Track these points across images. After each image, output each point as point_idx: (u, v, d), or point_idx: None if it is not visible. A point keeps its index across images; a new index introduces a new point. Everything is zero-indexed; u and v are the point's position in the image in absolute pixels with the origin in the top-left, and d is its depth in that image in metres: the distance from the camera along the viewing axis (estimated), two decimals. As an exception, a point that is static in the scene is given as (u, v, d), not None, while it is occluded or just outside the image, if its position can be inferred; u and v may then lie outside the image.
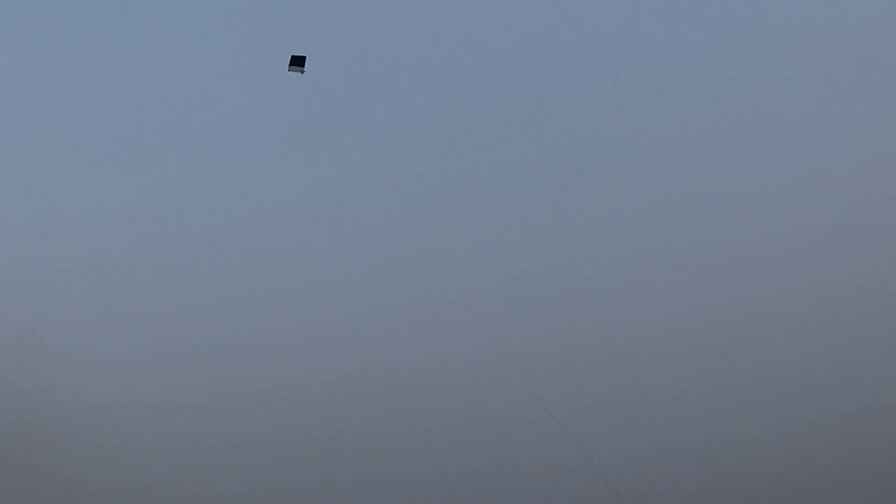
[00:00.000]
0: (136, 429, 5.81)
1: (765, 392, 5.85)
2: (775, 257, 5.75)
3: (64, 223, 5.64)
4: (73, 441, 5.97)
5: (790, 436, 5.69)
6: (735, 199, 5.61)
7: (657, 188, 5.47)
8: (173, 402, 5.89)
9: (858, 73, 5.71)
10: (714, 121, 5.49)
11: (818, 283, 5.92)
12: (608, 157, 5.26)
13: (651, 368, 5.68)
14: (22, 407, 5.81)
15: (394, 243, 5.40)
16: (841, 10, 5.70)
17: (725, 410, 5.68)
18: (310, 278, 5.51)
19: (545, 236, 5.51)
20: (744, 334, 5.65)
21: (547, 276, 5.44)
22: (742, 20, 5.56)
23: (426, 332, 5.56)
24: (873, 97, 5.87)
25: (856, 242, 6.05)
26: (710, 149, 5.38)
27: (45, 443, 6.05)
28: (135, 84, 5.34)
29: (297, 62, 5.62)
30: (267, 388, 5.80)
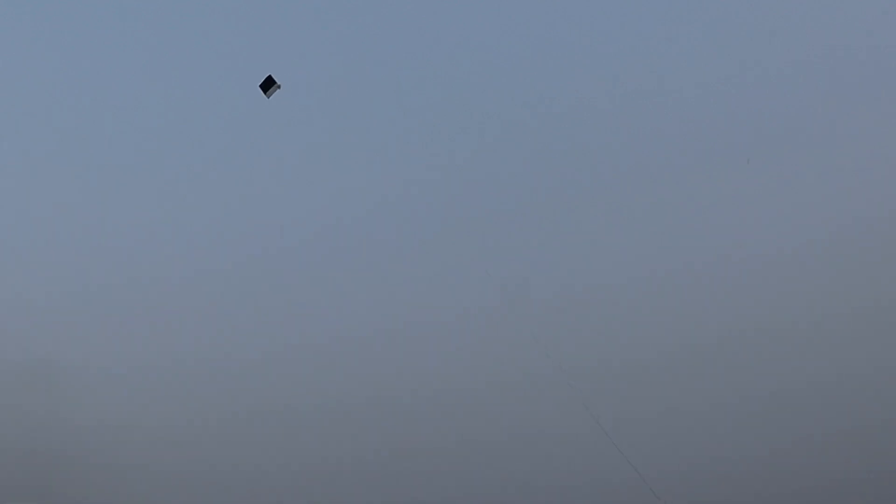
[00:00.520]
0: (153, 451, 5.80)
1: (812, 399, 5.73)
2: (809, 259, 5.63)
3: (78, 247, 5.72)
4: (89, 464, 5.98)
5: (838, 442, 5.54)
6: (759, 202, 5.55)
7: (690, 198, 5.42)
8: (191, 425, 5.87)
9: (861, 74, 5.61)
10: (727, 122, 5.44)
11: (852, 286, 5.79)
12: (648, 163, 5.22)
13: (695, 378, 5.56)
14: (38, 431, 5.84)
15: (428, 252, 5.37)
16: (841, 11, 5.59)
17: (778, 419, 5.56)
18: (338, 292, 5.48)
19: (574, 247, 5.46)
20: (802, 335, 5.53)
21: (581, 285, 5.39)
22: (743, 21, 5.50)
23: (464, 343, 5.54)
24: (877, 99, 5.75)
25: (877, 250, 5.94)
26: (727, 152, 5.33)
27: (62, 467, 6.07)
28: (150, 109, 5.44)
29: (268, 84, 5.58)
30: (291, 409, 5.77)
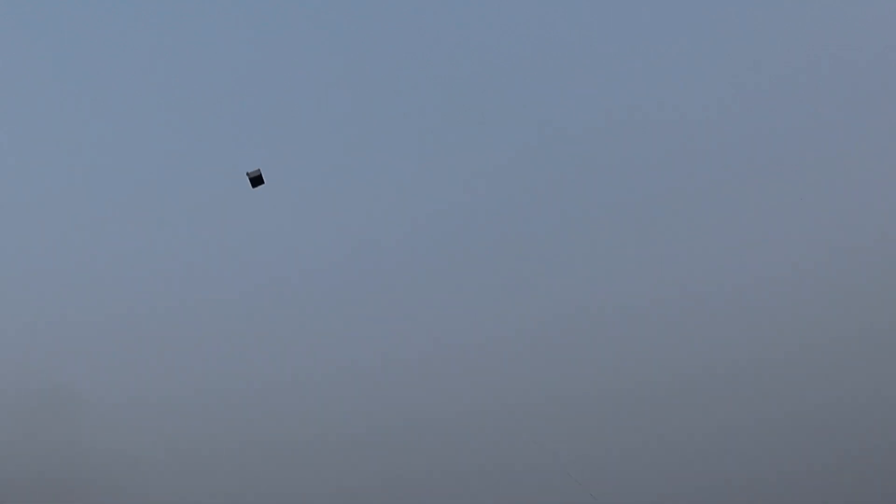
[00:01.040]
0: (172, 478, 5.73)
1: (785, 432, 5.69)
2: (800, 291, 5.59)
3: (100, 279, 5.61)
4: (106, 489, 5.91)
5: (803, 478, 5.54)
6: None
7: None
8: (209, 452, 5.80)
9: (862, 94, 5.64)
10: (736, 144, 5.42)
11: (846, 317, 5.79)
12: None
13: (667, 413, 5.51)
14: (56, 457, 5.75)
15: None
16: (842, 28, 5.64)
17: (745, 456, 5.53)
18: (360, 322, 5.42)
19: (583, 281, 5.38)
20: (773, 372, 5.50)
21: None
22: (746, 38, 5.52)
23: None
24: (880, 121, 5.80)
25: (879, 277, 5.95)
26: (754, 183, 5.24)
27: (78, 492, 5.98)
28: (172, 148, 5.34)
29: (256, 181, 5.49)
30: (311, 436, 5.71)
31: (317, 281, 5.64)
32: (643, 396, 5.69)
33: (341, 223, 5.81)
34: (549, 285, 5.66)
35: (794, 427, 5.61)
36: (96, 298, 5.74)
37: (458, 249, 5.75)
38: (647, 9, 6.41)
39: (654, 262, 5.75)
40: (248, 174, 5.58)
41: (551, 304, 5.82)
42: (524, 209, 5.71)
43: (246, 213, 5.63)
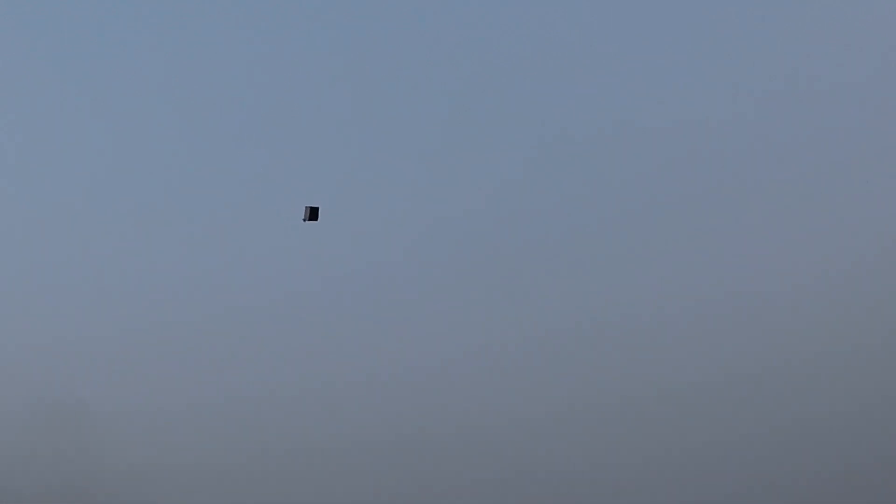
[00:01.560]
0: (182, 493, 5.70)
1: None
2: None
3: (113, 292, 5.60)
4: (118, 501, 5.89)
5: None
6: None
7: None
8: (225, 466, 5.77)
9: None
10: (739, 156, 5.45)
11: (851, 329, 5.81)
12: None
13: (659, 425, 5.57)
14: (68, 471, 5.72)
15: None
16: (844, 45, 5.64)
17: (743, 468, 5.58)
18: (369, 332, 5.39)
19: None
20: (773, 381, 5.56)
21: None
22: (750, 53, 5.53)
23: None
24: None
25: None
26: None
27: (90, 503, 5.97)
28: (184, 165, 5.34)
29: (312, 215, 5.50)
30: (326, 445, 5.68)
31: (328, 287, 5.65)
32: (657, 404, 5.68)
33: (354, 230, 5.84)
34: (564, 291, 5.65)
35: (807, 435, 5.61)
36: (105, 308, 5.71)
37: (468, 255, 5.77)
38: (658, 12, 6.46)
39: (672, 268, 5.74)
40: (308, 209, 5.56)
41: (566, 309, 5.80)
42: (540, 215, 5.71)
43: (255, 222, 5.63)
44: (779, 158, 6.31)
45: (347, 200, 6.06)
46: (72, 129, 6.00)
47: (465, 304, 6.18)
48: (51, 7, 5.98)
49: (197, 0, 5.98)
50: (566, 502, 6.05)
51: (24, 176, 6.01)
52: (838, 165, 6.23)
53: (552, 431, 6.19)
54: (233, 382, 6.08)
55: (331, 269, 6.13)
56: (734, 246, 6.25)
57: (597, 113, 6.22)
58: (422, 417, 6.06)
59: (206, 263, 6.15)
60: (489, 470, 6.21)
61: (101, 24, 5.94)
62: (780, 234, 6.22)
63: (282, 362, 6.07)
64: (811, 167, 6.22)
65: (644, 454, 6.22)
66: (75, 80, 6.00)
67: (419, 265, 6.14)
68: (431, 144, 6.23)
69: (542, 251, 6.30)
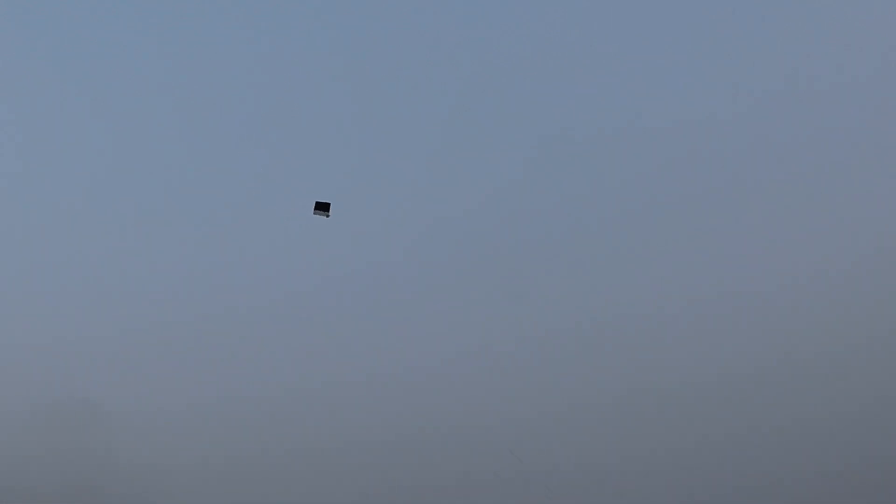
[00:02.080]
0: (193, 491, 5.70)
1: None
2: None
3: (122, 291, 5.59)
4: (131, 500, 5.88)
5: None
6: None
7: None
8: (225, 465, 5.76)
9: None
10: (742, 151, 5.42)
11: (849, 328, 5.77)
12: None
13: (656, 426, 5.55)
14: (78, 469, 5.73)
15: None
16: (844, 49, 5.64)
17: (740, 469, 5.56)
18: (373, 332, 5.37)
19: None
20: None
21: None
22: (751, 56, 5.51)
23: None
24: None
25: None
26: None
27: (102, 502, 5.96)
28: (189, 170, 5.31)
29: (322, 207, 5.47)
30: (336, 444, 5.67)
31: (328, 287, 5.62)
32: (656, 404, 5.65)
33: (354, 230, 5.80)
34: (564, 290, 5.62)
35: (806, 435, 5.58)
36: (108, 308, 5.69)
37: (468, 255, 5.73)
38: (658, 12, 6.43)
39: (672, 268, 5.71)
40: (318, 203, 5.51)
41: (566, 309, 5.77)
42: (540, 215, 5.67)
43: (256, 222, 5.60)
44: (779, 158, 6.31)
45: (347, 200, 6.05)
46: (72, 129, 6.00)
47: (465, 304, 6.18)
48: (51, 7, 5.97)
49: (197, 0, 5.98)
50: (566, 502, 6.04)
51: (24, 176, 6.01)
52: (838, 165, 6.22)
53: (552, 431, 6.19)
54: (233, 382, 6.08)
55: (331, 268, 6.12)
56: (734, 246, 6.25)
57: (597, 113, 6.22)
58: (422, 417, 6.06)
59: (206, 263, 6.15)
60: (489, 470, 6.21)
61: (101, 24, 5.94)
62: (779, 234, 6.22)
63: (282, 362, 6.06)
64: (811, 167, 6.21)
65: (644, 454, 6.23)
66: (75, 80, 6.00)
67: (419, 265, 6.14)
68: (431, 144, 6.22)
69: (542, 251, 6.30)
